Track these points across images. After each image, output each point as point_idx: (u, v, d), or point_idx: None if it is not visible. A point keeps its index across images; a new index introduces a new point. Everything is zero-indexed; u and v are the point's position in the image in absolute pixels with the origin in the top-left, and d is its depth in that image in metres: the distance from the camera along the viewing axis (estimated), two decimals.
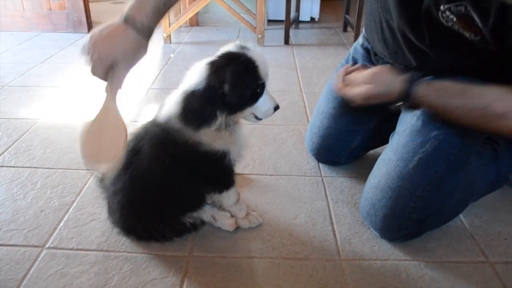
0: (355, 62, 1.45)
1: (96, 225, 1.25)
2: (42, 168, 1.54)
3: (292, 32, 3.44)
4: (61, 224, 1.26)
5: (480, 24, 0.92)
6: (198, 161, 1.08)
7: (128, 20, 0.93)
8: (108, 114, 0.92)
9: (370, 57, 1.40)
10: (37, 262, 1.12)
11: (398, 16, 1.12)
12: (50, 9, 3.27)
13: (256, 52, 1.03)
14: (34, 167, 1.54)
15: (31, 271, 1.09)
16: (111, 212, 1.21)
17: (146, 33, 0.97)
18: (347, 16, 3.47)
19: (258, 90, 1.04)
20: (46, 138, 1.75)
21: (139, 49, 0.96)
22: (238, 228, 1.24)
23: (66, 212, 1.31)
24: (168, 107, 1.06)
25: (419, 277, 1.10)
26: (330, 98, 1.48)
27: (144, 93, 2.23)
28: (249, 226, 1.25)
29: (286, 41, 3.19)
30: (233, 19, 3.41)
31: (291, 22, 3.33)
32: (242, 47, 1.03)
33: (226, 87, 0.96)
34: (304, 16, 3.78)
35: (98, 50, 0.92)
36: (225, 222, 1.23)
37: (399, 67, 1.22)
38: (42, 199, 1.37)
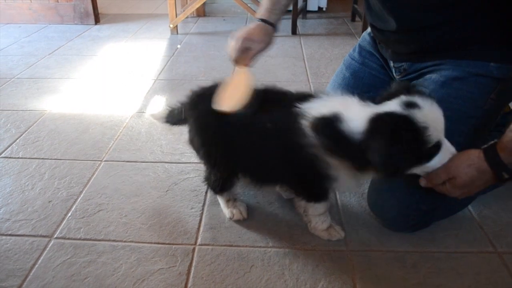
0: (361, 49, 1.44)
1: (103, 216, 1.26)
2: (50, 159, 1.55)
3: (299, 22, 3.41)
4: (69, 214, 1.27)
5: None
6: (304, 164, 1.02)
7: (263, 20, 1.27)
8: (240, 75, 1.20)
9: (376, 45, 1.39)
10: (45, 252, 1.13)
11: None
12: (57, 1, 3.28)
13: (425, 111, 0.89)
14: (42, 158, 1.56)
15: (39, 261, 1.10)
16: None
17: (275, 26, 1.28)
18: (355, 6, 3.43)
19: (431, 150, 0.92)
20: (54, 129, 1.76)
21: (272, 36, 1.27)
22: (245, 218, 1.25)
23: (74, 202, 1.32)
24: (314, 114, 0.97)
25: (426, 267, 1.09)
26: (335, 85, 1.45)
27: (151, 84, 2.23)
28: (328, 239, 1.19)
29: (294, 31, 3.16)
30: (240, 9, 3.39)
31: (298, 12, 3.30)
32: (409, 104, 0.90)
33: (374, 156, 0.87)
34: (312, 6, 3.75)
35: (239, 38, 1.22)
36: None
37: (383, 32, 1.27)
38: (50, 190, 1.38)
